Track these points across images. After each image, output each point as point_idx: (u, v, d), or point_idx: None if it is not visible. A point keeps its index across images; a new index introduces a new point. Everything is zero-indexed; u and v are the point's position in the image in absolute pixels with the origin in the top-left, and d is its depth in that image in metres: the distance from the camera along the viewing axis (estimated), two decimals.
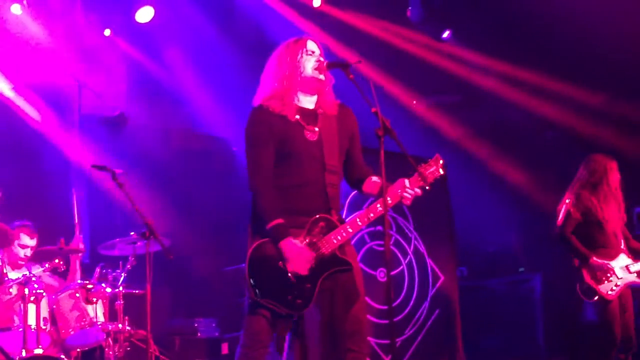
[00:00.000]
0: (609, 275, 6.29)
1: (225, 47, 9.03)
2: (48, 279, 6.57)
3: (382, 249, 7.53)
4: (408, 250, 8.04)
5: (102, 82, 8.31)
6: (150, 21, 8.45)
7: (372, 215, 4.16)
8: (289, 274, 4.07)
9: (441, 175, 4.28)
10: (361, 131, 4.47)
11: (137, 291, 6.67)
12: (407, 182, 4.15)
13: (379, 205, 4.13)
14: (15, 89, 7.90)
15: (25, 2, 7.72)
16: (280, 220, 4.07)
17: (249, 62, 7.77)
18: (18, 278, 6.04)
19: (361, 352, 4.16)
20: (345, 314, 4.14)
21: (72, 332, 6.27)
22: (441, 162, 4.28)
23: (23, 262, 6.57)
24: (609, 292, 6.27)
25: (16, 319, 6.16)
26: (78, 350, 6.43)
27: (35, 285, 5.93)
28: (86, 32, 8.31)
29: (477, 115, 10.36)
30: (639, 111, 9.22)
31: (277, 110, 4.21)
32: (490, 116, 10.27)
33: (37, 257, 6.56)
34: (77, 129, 8.04)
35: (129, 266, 6.58)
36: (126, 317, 6.43)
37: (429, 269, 8.16)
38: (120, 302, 6.46)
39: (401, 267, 7.95)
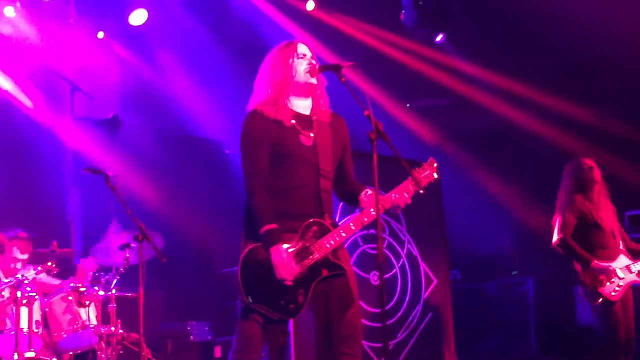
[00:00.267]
0: (611, 277, 6.31)
1: (219, 50, 9.03)
2: (48, 279, 6.55)
3: (375, 252, 7.52)
4: (401, 253, 8.03)
5: (96, 84, 8.29)
6: (143, 24, 8.43)
7: (366, 219, 4.15)
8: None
9: (435, 179, 4.28)
10: (354, 135, 4.44)
11: (130, 294, 6.66)
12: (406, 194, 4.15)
13: (372, 210, 4.12)
14: (8, 90, 7.89)
15: (18, 4, 7.70)
16: (273, 226, 4.06)
17: (242, 66, 7.76)
18: (10, 281, 6.02)
19: (355, 356, 4.15)
20: (340, 318, 4.13)
21: (64, 336, 6.27)
22: (435, 165, 4.27)
23: (16, 271, 6.53)
24: (613, 294, 6.29)
25: (8, 322, 6.14)
26: (71, 353, 6.43)
27: (28, 289, 5.91)
28: (80, 35, 8.30)
29: (470, 119, 10.36)
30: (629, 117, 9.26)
31: (272, 116, 4.20)
32: (484, 120, 10.27)
33: (30, 259, 6.54)
34: (70, 131, 8.02)
35: (122, 269, 6.57)
36: (119, 321, 6.43)
37: (422, 272, 8.15)
38: (113, 306, 6.45)
39: (394, 270, 7.94)
